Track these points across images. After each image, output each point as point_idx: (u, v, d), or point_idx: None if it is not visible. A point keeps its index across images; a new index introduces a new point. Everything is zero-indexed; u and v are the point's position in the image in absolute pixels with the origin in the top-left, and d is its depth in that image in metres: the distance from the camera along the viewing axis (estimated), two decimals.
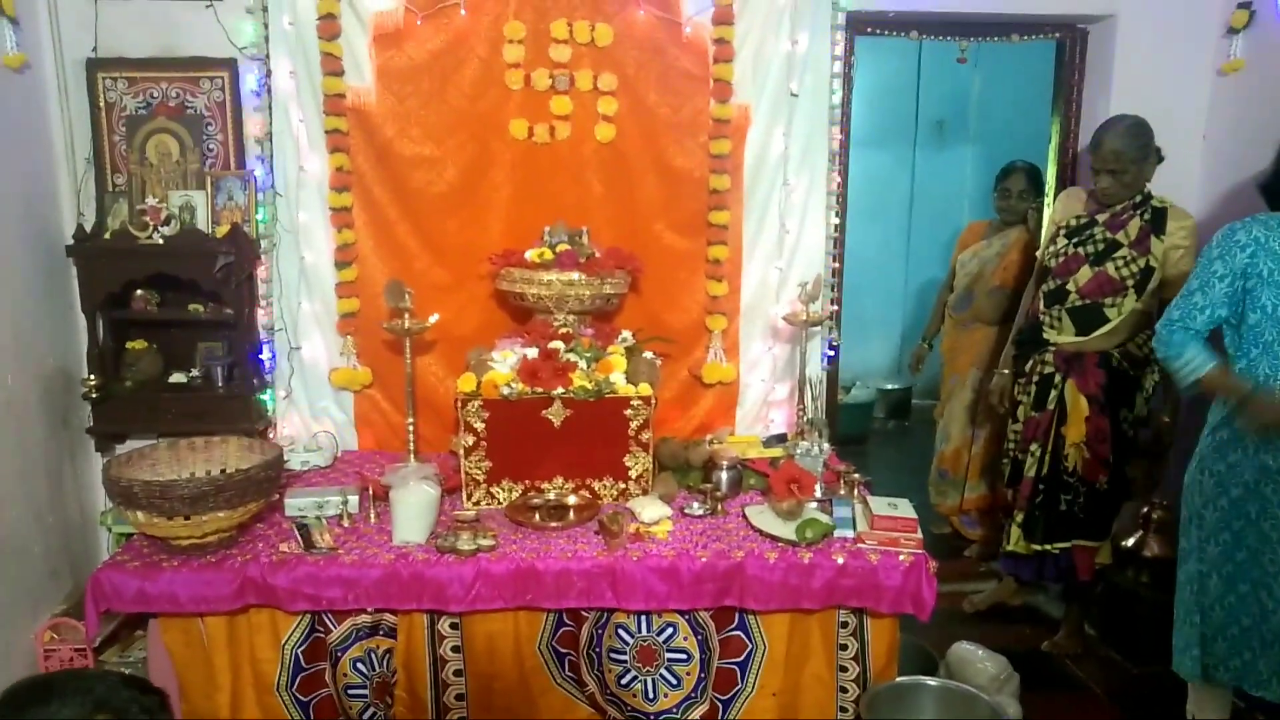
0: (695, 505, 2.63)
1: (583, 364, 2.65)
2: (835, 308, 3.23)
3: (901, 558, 2.33)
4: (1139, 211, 2.85)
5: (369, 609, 2.33)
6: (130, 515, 2.24)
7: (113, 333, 3.03)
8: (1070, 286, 2.92)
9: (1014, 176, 3.75)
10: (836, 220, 3.17)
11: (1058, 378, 2.95)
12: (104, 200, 3.00)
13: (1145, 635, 2.99)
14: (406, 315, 2.73)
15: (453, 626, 2.35)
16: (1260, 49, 3.06)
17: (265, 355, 3.08)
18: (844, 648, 2.42)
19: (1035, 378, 3.01)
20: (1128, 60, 3.19)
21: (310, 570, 2.27)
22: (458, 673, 2.37)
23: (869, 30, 3.17)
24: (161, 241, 2.87)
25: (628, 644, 2.38)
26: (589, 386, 2.58)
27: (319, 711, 2.39)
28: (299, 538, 2.37)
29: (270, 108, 2.97)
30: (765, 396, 3.22)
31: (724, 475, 2.74)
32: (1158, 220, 2.84)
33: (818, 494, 2.61)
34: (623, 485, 2.66)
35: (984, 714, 2.32)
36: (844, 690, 2.41)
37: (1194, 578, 2.40)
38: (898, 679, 2.40)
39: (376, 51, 2.93)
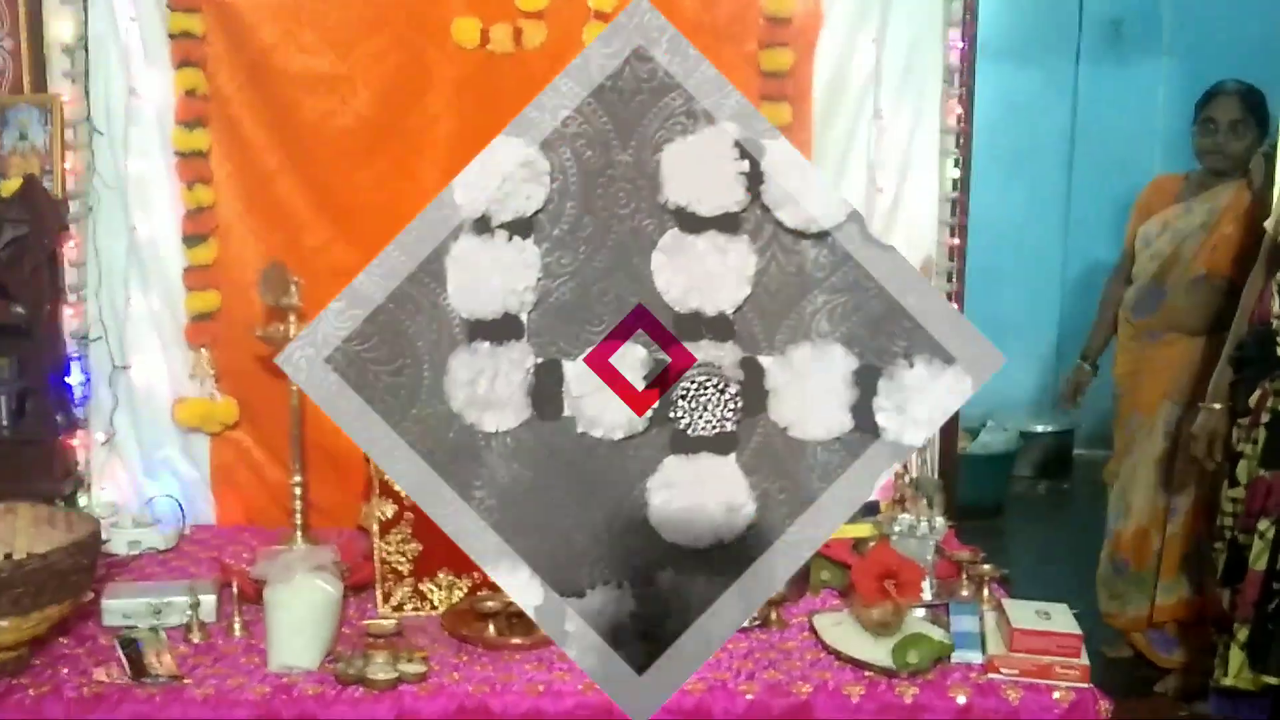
0: None
1: None
2: (954, 306, 3.24)
3: (1057, 695, 2.33)
4: None
5: None
6: None
7: None
8: None
9: (1221, 100, 3.72)
10: (957, 173, 3.21)
11: None
12: None
13: None
14: (292, 317, 2.75)
15: None
16: None
17: (76, 378, 3.10)
18: None
19: (1265, 417, 3.01)
20: None
21: (141, 709, 2.27)
22: None
23: None
24: None
25: None
26: None
27: None
28: (124, 660, 2.37)
29: (86, 1, 3.00)
30: None
31: None
32: None
33: (927, 596, 2.62)
34: None
35: None
36: None
37: None
38: None
39: None
